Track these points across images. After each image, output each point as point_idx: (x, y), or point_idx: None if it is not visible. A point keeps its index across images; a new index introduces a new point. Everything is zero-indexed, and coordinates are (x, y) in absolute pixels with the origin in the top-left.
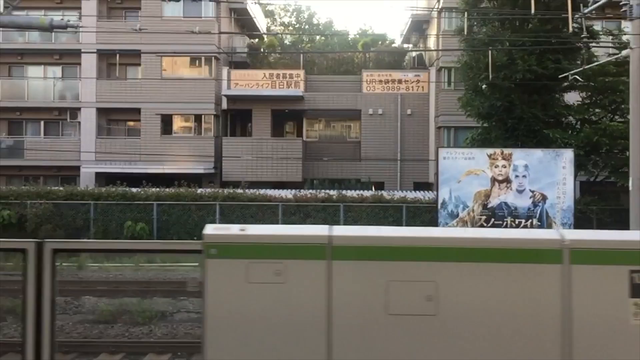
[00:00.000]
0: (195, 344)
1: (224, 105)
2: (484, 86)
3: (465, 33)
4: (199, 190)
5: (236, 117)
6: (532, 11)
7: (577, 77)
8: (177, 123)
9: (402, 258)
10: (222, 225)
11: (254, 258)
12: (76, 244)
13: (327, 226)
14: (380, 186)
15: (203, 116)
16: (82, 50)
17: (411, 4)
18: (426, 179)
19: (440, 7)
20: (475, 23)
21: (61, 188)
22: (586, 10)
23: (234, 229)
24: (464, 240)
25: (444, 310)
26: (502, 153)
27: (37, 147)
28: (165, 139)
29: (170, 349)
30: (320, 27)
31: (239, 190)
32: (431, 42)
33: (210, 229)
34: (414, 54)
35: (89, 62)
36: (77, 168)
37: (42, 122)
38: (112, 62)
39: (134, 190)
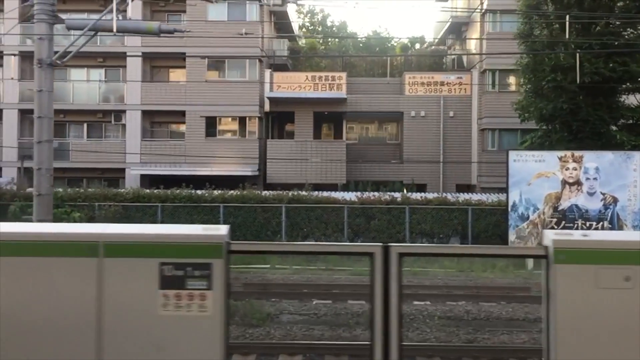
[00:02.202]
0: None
1: (266, 108)
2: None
3: (527, 35)
4: (264, 193)
5: (275, 119)
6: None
7: None
8: (222, 125)
9: None
10: (562, 230)
11: (602, 263)
12: (420, 249)
13: None
14: (422, 188)
15: (247, 118)
16: (127, 54)
17: (439, 5)
18: (468, 181)
19: (484, 9)
20: (536, 25)
21: (128, 190)
22: None
23: (576, 235)
24: None
25: None
26: (572, 155)
27: (81, 149)
28: (210, 141)
29: (345, 351)
30: (334, 29)
31: (303, 193)
32: (472, 44)
33: (553, 235)
34: (454, 56)
35: (134, 65)
36: (121, 170)
37: (85, 125)
38: (156, 65)
39: (199, 192)
